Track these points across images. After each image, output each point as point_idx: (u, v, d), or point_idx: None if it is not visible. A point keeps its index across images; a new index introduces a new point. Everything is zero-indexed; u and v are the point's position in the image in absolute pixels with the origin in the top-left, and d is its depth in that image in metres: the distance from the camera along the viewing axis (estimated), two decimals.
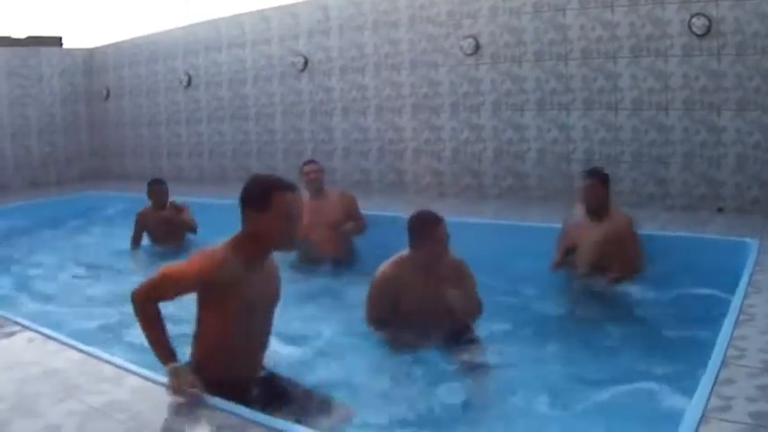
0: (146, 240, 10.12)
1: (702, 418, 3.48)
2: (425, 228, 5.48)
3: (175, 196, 10.27)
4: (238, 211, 3.93)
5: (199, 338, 4.06)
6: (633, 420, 4.35)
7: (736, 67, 9.33)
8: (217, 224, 6.20)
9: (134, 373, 4.37)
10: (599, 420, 4.40)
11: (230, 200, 4.38)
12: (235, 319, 3.90)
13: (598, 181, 7.33)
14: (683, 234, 8.13)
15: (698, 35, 9.52)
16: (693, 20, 9.49)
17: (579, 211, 7.50)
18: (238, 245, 3.86)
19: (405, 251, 5.66)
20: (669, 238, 7.90)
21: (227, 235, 3.95)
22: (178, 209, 10.03)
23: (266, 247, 3.91)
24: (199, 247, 9.47)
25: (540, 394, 4.78)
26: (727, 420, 3.46)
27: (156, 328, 3.92)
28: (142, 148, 17.17)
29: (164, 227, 9.93)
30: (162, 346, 3.90)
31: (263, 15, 14.31)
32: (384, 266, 5.68)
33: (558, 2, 10.65)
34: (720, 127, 9.42)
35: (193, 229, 9.88)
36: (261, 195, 3.82)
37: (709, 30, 9.43)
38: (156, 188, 9.99)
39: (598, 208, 7.29)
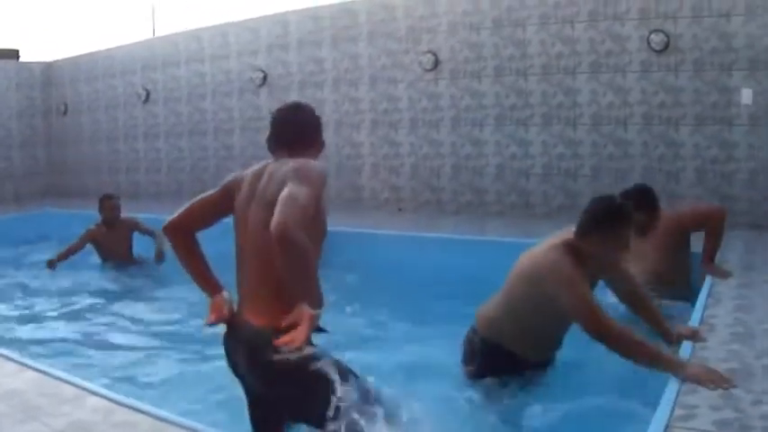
0: (95, 258, 9.92)
1: (667, 428, 3.44)
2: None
3: (133, 213, 10.17)
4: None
5: None
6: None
7: (694, 83, 9.26)
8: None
9: (94, 393, 4.29)
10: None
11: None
12: None
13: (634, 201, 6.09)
14: None
15: (656, 51, 9.45)
16: (652, 36, 9.44)
17: None
18: None
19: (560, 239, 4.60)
20: None
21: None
22: (130, 223, 9.83)
23: None
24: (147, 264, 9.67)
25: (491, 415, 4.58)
26: (691, 429, 3.43)
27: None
28: (100, 163, 16.71)
29: (114, 241, 9.71)
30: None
31: (221, 30, 14.01)
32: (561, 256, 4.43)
33: (517, 17, 10.49)
34: (679, 141, 9.31)
35: (152, 234, 9.56)
36: None
37: (667, 46, 9.39)
38: (108, 203, 9.72)
39: (637, 230, 6.05)
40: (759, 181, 9.02)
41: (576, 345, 4.72)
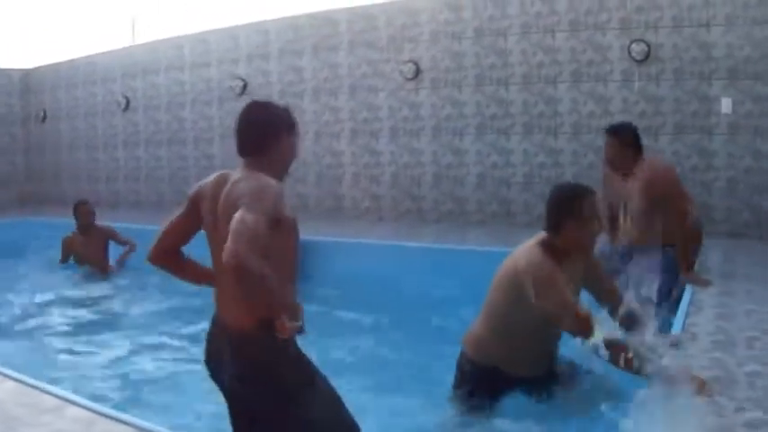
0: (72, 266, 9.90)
1: None
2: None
3: (113, 222, 10.24)
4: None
5: None
6: None
7: (674, 92, 9.26)
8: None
9: (74, 404, 4.22)
10: None
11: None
12: None
13: (613, 137, 6.44)
14: None
15: (637, 61, 9.43)
16: (633, 46, 9.45)
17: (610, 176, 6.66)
18: None
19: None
20: None
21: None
22: (106, 232, 9.82)
23: None
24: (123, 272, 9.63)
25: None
26: None
27: None
28: (79, 171, 16.51)
29: (89, 248, 9.69)
30: None
31: (202, 38, 13.88)
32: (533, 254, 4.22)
33: (499, 27, 10.45)
34: (659, 150, 9.23)
35: (127, 244, 9.72)
36: None
37: (648, 56, 9.37)
38: (82, 209, 9.70)
39: (622, 167, 6.42)
40: (738, 190, 9.04)
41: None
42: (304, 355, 3.35)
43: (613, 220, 6.57)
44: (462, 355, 4.54)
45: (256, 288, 2.91)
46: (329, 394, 3.38)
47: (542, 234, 4.30)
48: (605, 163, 6.63)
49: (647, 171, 6.31)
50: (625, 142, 6.41)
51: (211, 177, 3.45)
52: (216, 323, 3.41)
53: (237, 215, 2.93)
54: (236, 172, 3.34)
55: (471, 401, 4.46)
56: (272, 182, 3.18)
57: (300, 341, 3.32)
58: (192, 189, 3.51)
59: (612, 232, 6.53)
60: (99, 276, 9.51)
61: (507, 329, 4.31)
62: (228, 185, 3.27)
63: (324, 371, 3.43)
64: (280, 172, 3.42)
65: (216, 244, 3.23)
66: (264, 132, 3.39)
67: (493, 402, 4.42)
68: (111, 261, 9.79)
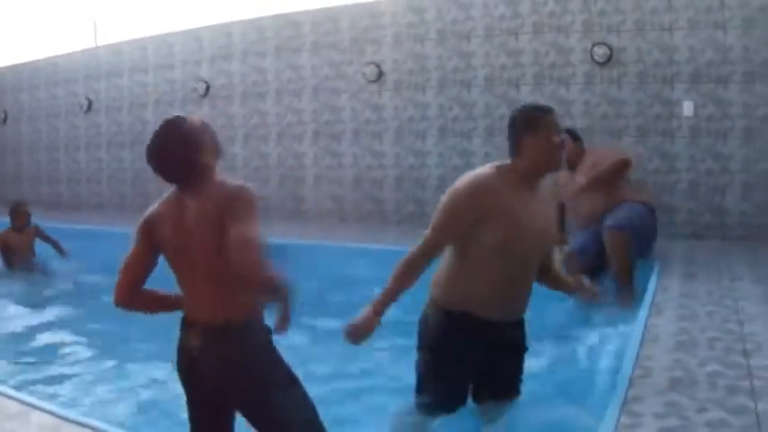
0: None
1: None
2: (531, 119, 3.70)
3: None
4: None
5: None
6: None
7: (637, 95, 9.18)
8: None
9: (39, 409, 4.15)
10: None
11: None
12: None
13: (570, 136, 7.46)
14: None
15: (599, 63, 9.33)
16: (595, 49, 9.36)
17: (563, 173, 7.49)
18: None
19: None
20: None
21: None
22: (36, 230, 9.75)
23: None
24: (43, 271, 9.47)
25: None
26: None
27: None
28: (40, 173, 16.18)
29: (23, 248, 9.63)
30: None
31: (166, 40, 13.63)
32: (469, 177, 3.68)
33: (462, 29, 10.30)
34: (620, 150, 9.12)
35: (51, 241, 9.74)
36: None
37: (610, 58, 9.29)
38: (20, 213, 9.64)
39: (573, 163, 7.44)
40: (700, 192, 8.99)
41: None
42: (281, 356, 3.37)
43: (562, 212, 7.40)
44: (427, 304, 3.92)
45: (271, 293, 3.01)
46: (304, 394, 3.36)
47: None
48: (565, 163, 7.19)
49: (594, 153, 7.51)
50: (575, 138, 7.56)
51: (164, 203, 3.34)
52: (191, 330, 3.32)
53: (240, 231, 2.98)
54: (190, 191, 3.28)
55: (439, 359, 3.85)
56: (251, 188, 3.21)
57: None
58: (140, 221, 3.36)
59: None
60: (29, 275, 9.43)
61: (456, 258, 3.74)
62: (197, 204, 3.23)
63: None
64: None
65: (189, 258, 3.26)
66: (186, 163, 3.27)
67: (461, 361, 3.81)
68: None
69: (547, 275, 3.94)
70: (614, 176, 7.31)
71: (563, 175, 7.44)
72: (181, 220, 3.25)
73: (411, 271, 3.65)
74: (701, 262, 7.64)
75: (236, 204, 3.10)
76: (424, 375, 3.84)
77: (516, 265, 3.63)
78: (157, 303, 3.46)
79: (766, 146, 8.69)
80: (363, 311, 3.62)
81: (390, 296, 3.65)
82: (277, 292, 3.02)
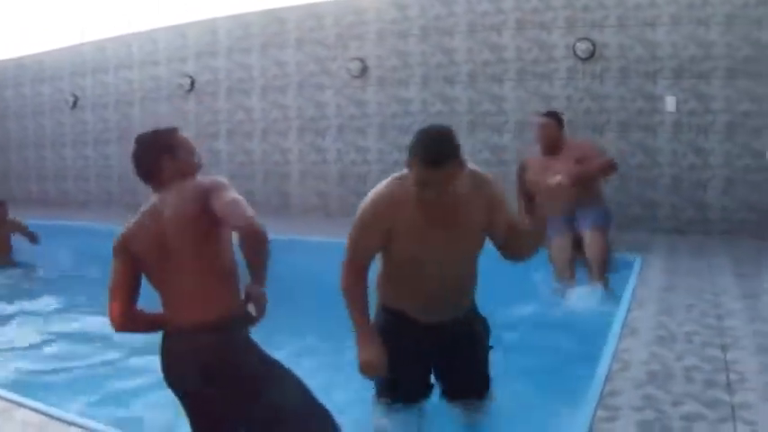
0: None
1: (590, 430, 3.44)
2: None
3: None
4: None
5: None
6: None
7: (619, 90, 9.16)
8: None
9: (24, 406, 4.09)
10: None
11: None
12: None
13: (553, 119, 7.41)
14: None
15: (582, 59, 9.31)
16: (578, 44, 9.34)
17: (532, 159, 7.51)
18: None
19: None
20: None
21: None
22: (13, 224, 9.72)
23: None
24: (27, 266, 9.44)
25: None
26: (614, 430, 3.43)
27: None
28: (28, 171, 16.09)
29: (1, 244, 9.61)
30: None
31: (151, 36, 13.54)
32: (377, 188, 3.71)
33: (445, 25, 10.26)
34: (603, 148, 9.10)
35: (34, 238, 9.61)
36: None
37: (593, 54, 9.27)
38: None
39: (553, 146, 7.31)
40: (682, 187, 8.98)
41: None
42: (263, 349, 3.39)
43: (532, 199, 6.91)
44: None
45: (266, 249, 3.12)
46: (297, 382, 3.37)
47: None
48: (541, 139, 7.39)
49: (578, 147, 7.47)
50: (561, 124, 7.46)
51: (141, 217, 3.38)
52: (175, 334, 3.33)
53: (223, 199, 3.14)
54: (161, 197, 3.38)
55: (388, 356, 3.75)
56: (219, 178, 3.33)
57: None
58: (116, 240, 3.40)
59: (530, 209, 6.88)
60: (5, 271, 9.37)
61: (385, 265, 3.79)
62: (170, 206, 3.30)
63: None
64: None
65: (173, 261, 3.28)
66: (148, 168, 3.45)
67: (406, 359, 3.76)
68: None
69: (517, 248, 3.78)
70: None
71: (535, 160, 7.38)
72: (158, 225, 3.28)
73: (351, 294, 3.66)
74: (683, 256, 7.63)
75: (211, 188, 3.21)
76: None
77: (433, 269, 3.60)
78: (155, 323, 3.44)
79: (748, 141, 8.67)
80: (360, 348, 3.60)
81: (361, 321, 3.65)
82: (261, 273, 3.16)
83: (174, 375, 3.33)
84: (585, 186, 7.12)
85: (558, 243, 7.15)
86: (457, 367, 3.87)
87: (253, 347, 3.32)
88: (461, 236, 3.62)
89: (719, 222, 8.89)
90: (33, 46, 15.77)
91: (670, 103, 8.92)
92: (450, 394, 3.97)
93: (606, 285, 6.75)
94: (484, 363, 3.95)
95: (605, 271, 6.86)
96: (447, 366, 3.89)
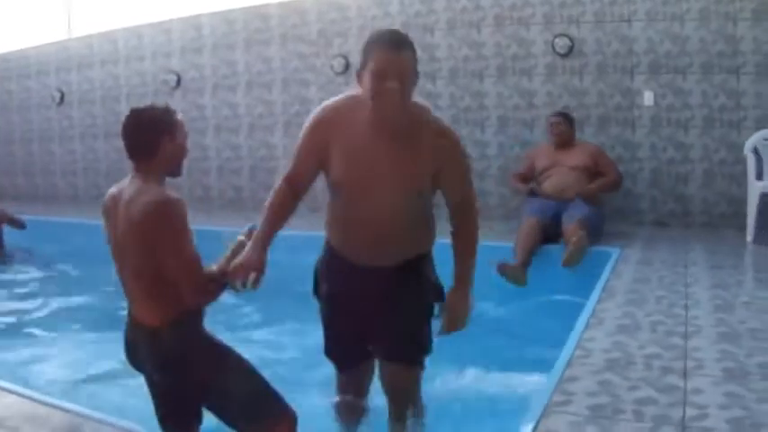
0: None
1: (544, 412, 3.58)
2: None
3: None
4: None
5: None
6: (484, 416, 4.33)
7: (597, 86, 9.32)
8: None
9: (9, 392, 4.21)
10: (448, 418, 4.19)
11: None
12: None
13: (563, 118, 8.70)
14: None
15: (561, 55, 9.46)
16: (556, 40, 9.49)
17: (545, 146, 8.92)
18: None
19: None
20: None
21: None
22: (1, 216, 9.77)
23: None
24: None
25: None
26: (566, 413, 3.58)
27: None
28: (15, 166, 16.12)
29: None
30: None
31: (136, 32, 13.63)
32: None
33: (425, 22, 10.40)
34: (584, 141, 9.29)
35: (18, 224, 9.72)
36: None
37: (571, 50, 9.42)
38: None
39: (564, 142, 8.60)
40: (662, 180, 9.16)
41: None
42: (215, 338, 3.46)
43: (530, 178, 8.73)
44: None
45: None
46: (246, 369, 3.44)
47: None
48: (553, 136, 8.73)
49: (589, 147, 8.74)
50: (569, 120, 8.72)
51: (116, 188, 3.52)
52: (129, 318, 3.47)
53: (178, 263, 3.21)
54: (129, 184, 3.42)
55: (324, 302, 3.86)
56: (169, 200, 3.25)
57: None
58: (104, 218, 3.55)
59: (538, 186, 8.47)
60: None
61: (329, 200, 3.79)
62: (123, 204, 3.35)
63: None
64: (173, 171, 3.49)
65: (119, 254, 3.40)
66: (148, 136, 3.41)
67: (338, 305, 3.79)
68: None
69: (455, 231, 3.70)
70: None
71: (544, 146, 8.94)
72: (114, 214, 3.39)
73: (268, 205, 3.64)
74: (660, 249, 7.78)
75: (154, 221, 3.19)
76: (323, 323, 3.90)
77: (372, 200, 3.45)
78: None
79: (725, 135, 8.85)
80: (247, 251, 3.42)
81: (261, 231, 3.53)
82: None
83: (133, 361, 3.51)
84: (581, 181, 8.28)
85: (529, 223, 7.59)
86: (383, 321, 3.64)
87: (201, 348, 3.37)
88: (405, 167, 3.42)
89: (700, 215, 9.08)
90: (19, 41, 15.81)
91: (648, 97, 9.09)
92: (376, 353, 3.81)
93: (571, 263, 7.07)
94: (413, 322, 3.68)
95: (576, 260, 7.07)
96: (375, 320, 3.66)
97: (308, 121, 3.55)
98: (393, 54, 3.18)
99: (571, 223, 7.44)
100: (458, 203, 3.64)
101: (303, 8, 11.55)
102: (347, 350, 3.86)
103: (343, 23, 11.15)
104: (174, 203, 3.22)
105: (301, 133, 3.57)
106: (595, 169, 8.41)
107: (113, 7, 14.38)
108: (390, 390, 3.78)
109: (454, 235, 3.68)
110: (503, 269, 7.02)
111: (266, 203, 3.62)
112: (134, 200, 3.25)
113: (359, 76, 3.34)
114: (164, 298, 3.28)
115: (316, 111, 3.55)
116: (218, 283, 3.35)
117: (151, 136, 3.38)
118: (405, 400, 3.80)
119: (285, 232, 3.59)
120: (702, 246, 7.88)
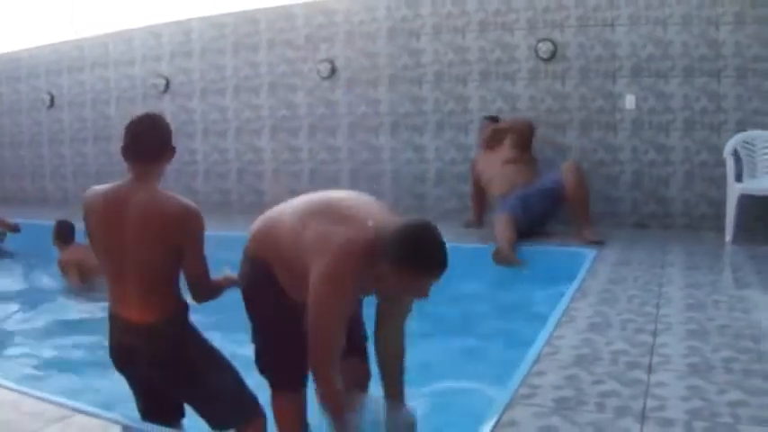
0: None
1: (509, 404, 3.69)
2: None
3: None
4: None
5: None
6: (449, 411, 4.40)
7: (580, 90, 9.43)
8: None
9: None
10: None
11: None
12: None
13: (493, 122, 9.27)
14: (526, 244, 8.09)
15: (544, 59, 9.57)
16: (540, 45, 9.58)
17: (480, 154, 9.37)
18: None
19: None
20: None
21: None
22: None
23: None
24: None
25: None
26: (531, 405, 3.69)
27: None
28: (4, 169, 16.17)
29: None
30: None
31: (126, 36, 13.71)
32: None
33: (411, 27, 10.50)
34: (566, 145, 9.46)
35: (12, 228, 9.93)
36: None
37: (554, 54, 9.53)
38: None
39: (493, 142, 9.06)
40: (643, 182, 9.27)
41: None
42: (204, 337, 3.67)
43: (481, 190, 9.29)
44: None
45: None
46: (230, 368, 3.64)
47: None
48: (485, 143, 9.19)
49: (500, 126, 9.19)
50: (496, 121, 9.20)
51: (102, 194, 3.53)
52: (117, 321, 3.53)
53: (197, 265, 3.50)
54: (130, 186, 3.49)
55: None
56: (198, 209, 3.51)
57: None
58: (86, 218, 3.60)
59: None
60: None
61: None
62: (136, 205, 3.42)
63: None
64: (162, 175, 3.62)
65: (118, 256, 3.44)
66: (166, 139, 3.58)
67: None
68: None
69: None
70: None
71: (480, 157, 9.29)
72: (119, 216, 3.40)
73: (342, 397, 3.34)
74: (639, 250, 7.86)
75: (186, 228, 3.43)
76: None
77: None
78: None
79: (706, 138, 8.97)
80: None
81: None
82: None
83: (123, 364, 3.59)
84: (527, 165, 8.95)
85: (503, 219, 8.16)
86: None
87: (187, 348, 3.53)
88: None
89: (681, 217, 9.19)
90: (10, 43, 15.85)
91: (629, 101, 9.20)
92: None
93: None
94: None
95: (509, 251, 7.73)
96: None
97: (338, 275, 3.18)
98: (436, 278, 3.11)
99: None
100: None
101: (291, 13, 11.64)
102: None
103: (330, 28, 11.24)
104: (200, 213, 3.49)
105: (332, 289, 3.19)
106: (520, 137, 9.00)
107: (112, 7, 14.43)
108: None
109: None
110: (496, 257, 7.63)
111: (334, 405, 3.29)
112: (154, 202, 3.42)
113: (394, 265, 3.09)
114: (162, 295, 3.47)
115: (345, 258, 3.19)
116: (220, 288, 3.71)
117: (167, 140, 3.58)
118: None
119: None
120: (681, 247, 7.97)
